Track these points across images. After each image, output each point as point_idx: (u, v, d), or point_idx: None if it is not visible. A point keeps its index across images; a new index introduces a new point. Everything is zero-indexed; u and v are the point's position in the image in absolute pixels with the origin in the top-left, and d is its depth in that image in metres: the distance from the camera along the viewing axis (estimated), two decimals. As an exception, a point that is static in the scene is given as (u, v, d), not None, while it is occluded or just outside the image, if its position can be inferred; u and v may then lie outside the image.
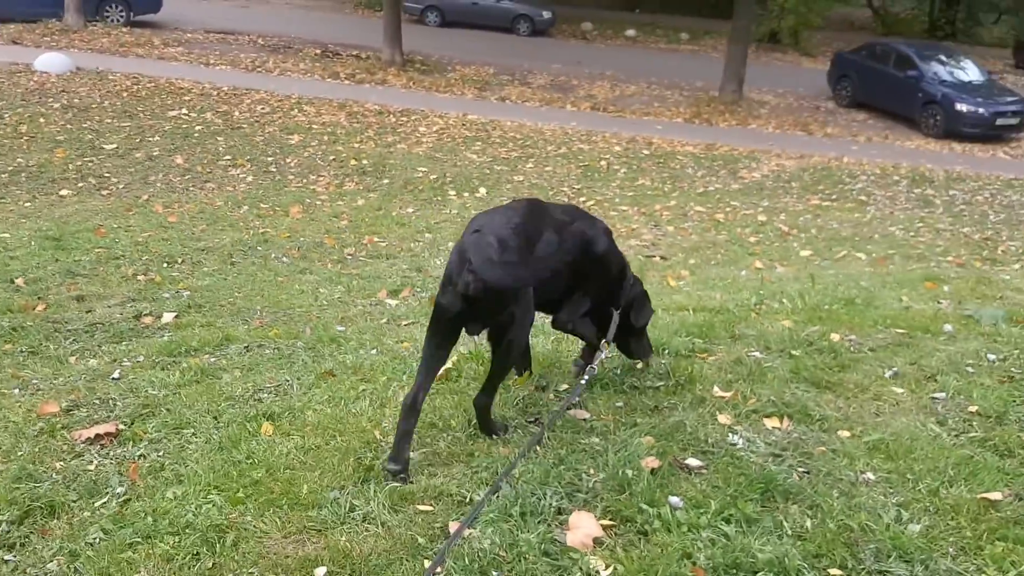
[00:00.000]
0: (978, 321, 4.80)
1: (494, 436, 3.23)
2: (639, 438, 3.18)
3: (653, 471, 2.95)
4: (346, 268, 7.83)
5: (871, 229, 11.82)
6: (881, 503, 2.82)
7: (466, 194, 12.27)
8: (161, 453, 3.23)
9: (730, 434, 3.26)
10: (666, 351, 4.11)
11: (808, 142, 18.58)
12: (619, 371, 3.83)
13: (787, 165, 16.07)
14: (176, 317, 5.48)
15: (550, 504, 2.76)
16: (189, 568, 2.52)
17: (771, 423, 3.37)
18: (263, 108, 16.37)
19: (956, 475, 2.99)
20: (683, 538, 2.60)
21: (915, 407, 3.57)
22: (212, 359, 4.41)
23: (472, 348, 4.04)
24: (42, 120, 13.73)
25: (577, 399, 3.49)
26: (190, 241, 8.25)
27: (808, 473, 3.02)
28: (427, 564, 2.47)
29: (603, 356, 3.62)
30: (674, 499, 2.78)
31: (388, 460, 2.98)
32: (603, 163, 15.07)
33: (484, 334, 3.18)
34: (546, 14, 29.44)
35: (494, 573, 2.46)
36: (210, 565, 2.53)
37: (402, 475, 2.93)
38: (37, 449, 3.25)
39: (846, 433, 3.32)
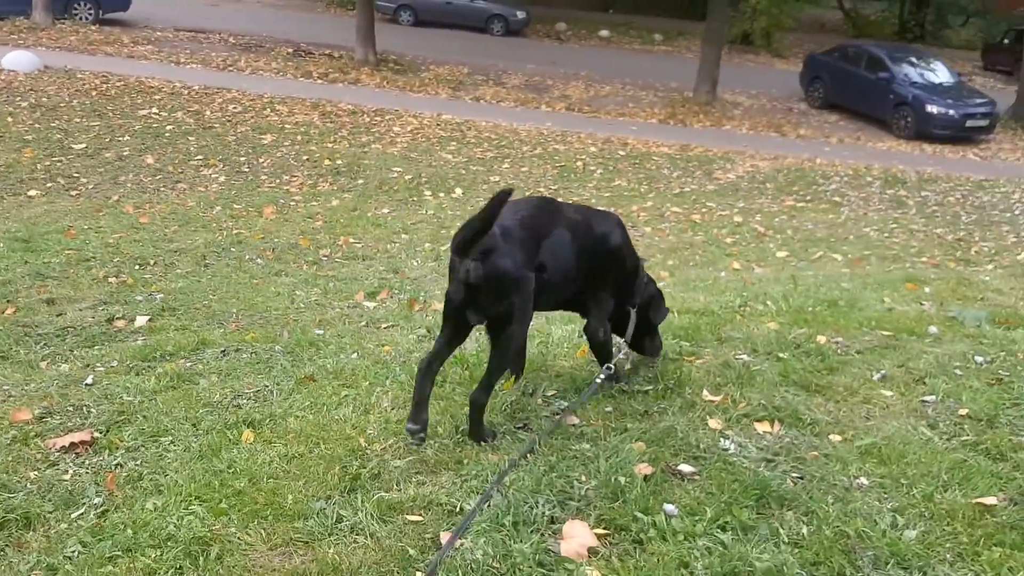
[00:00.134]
0: (962, 323, 4.82)
1: (483, 443, 3.16)
2: (630, 444, 3.13)
3: (646, 478, 2.89)
4: (322, 270, 7.71)
5: (846, 230, 11.89)
6: (876, 509, 2.79)
7: (442, 194, 12.16)
8: (139, 462, 3.12)
9: (722, 439, 3.21)
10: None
11: (781, 143, 18.69)
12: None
13: (761, 166, 16.14)
14: (150, 320, 5.36)
15: (543, 513, 2.69)
16: (172, 583, 2.42)
17: (762, 427, 3.33)
18: (235, 107, 16.14)
19: (950, 480, 2.97)
20: (679, 547, 2.54)
21: (905, 410, 3.55)
22: (188, 364, 4.28)
23: (456, 352, 3.96)
24: (10, 119, 13.43)
25: (588, 398, 3.48)
26: (162, 242, 8.09)
27: (802, 478, 2.98)
28: (419, 576, 2.40)
29: (620, 356, 3.67)
30: (669, 507, 2.73)
31: (408, 420, 3.16)
32: (579, 164, 15.04)
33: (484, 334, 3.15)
34: (520, 14, 29.42)
35: (488, 585, 2.39)
36: (194, 580, 2.43)
37: (421, 434, 3.12)
38: (10, 458, 3.12)
39: (837, 437, 3.29)
